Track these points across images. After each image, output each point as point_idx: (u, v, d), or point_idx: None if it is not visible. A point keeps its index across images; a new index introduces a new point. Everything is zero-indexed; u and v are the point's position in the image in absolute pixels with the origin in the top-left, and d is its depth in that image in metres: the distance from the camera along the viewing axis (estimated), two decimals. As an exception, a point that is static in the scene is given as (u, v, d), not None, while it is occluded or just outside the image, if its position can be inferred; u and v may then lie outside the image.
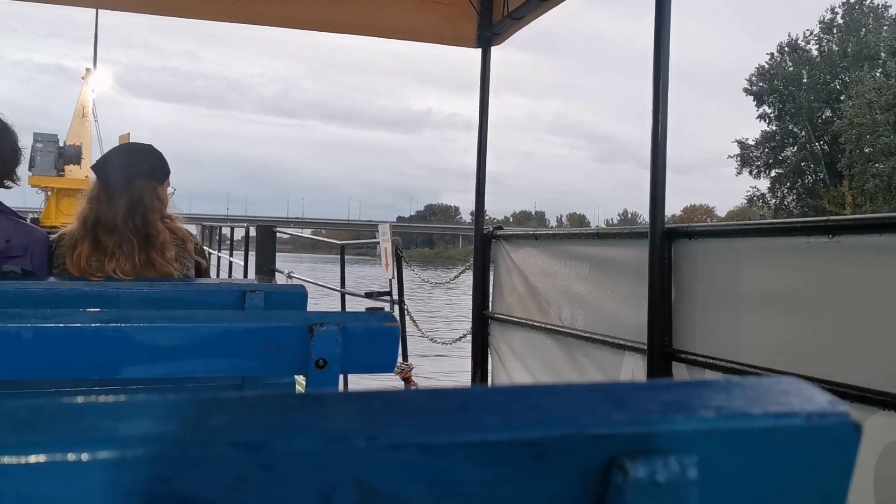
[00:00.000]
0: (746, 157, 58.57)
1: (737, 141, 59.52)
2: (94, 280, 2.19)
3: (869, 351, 1.98)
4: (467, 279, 4.73)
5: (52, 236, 2.37)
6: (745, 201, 61.21)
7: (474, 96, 4.24)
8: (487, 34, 4.10)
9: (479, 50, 4.18)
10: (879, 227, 2.04)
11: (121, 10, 4.14)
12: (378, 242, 5.50)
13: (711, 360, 2.51)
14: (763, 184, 59.17)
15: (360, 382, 5.64)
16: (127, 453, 0.39)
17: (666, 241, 2.69)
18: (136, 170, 2.37)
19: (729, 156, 59.76)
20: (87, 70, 19.40)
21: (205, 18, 4.08)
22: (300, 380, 1.73)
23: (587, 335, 3.30)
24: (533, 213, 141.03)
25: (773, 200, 57.62)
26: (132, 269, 2.24)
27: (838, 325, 2.08)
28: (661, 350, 2.68)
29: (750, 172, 58.41)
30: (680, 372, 2.67)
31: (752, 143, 58.53)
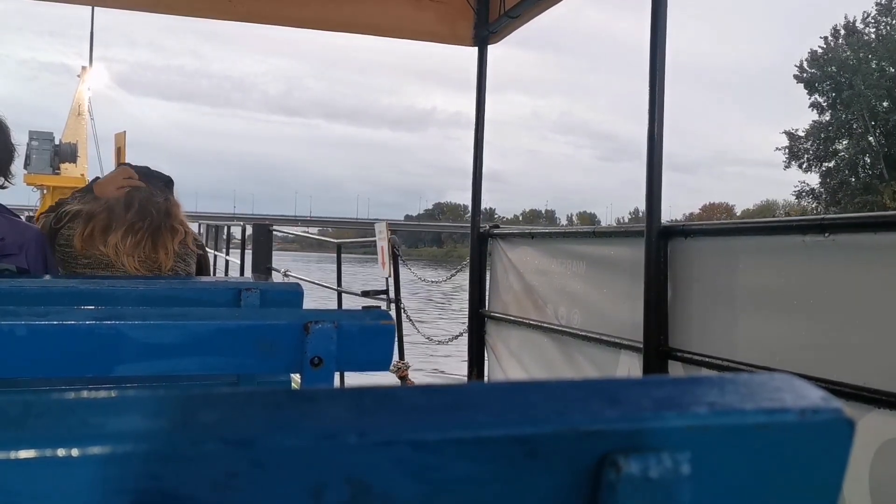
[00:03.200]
0: (795, 150, 54.77)
1: (785, 132, 56.12)
2: (96, 252, 2.24)
3: (864, 349, 1.98)
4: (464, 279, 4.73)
5: (51, 214, 2.39)
6: (794, 196, 57.76)
7: (477, 94, 4.24)
8: (484, 33, 4.10)
9: (476, 49, 4.18)
10: (874, 225, 2.04)
11: (117, 8, 4.13)
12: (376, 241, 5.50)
13: (707, 359, 2.51)
14: (812, 178, 55.39)
15: (356, 380, 5.64)
16: (116, 450, 0.38)
17: (662, 240, 2.69)
18: (165, 181, 2.54)
19: (776, 148, 56.28)
20: (83, 68, 19.30)
21: (200, 16, 4.07)
22: (296, 378, 1.73)
23: (583, 334, 3.30)
24: (543, 212, 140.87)
25: (825, 195, 53.45)
26: (135, 245, 2.28)
27: (834, 323, 2.09)
28: (657, 348, 2.69)
29: (800, 166, 54.83)
30: (676, 370, 2.68)
31: (803, 134, 54.63)
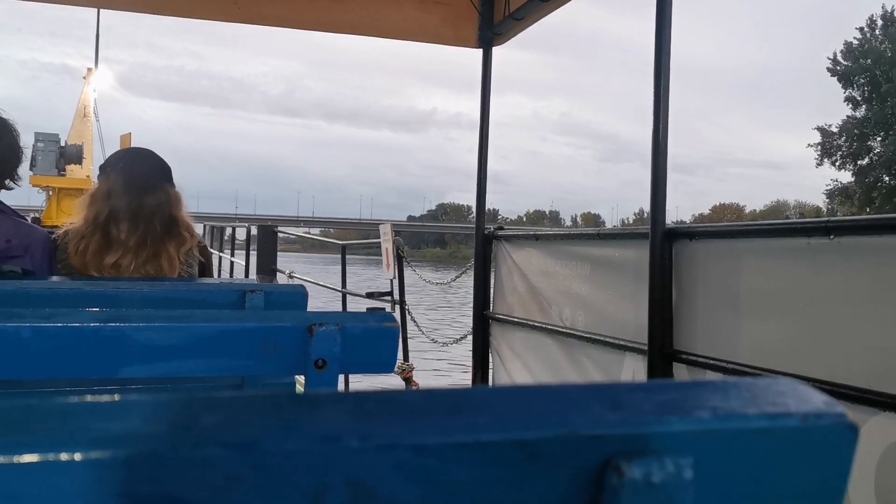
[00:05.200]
0: (828, 147, 51.79)
1: (818, 128, 53.23)
2: (95, 273, 2.22)
3: (869, 352, 1.97)
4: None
5: (55, 234, 2.38)
6: (825, 196, 54.76)
7: (478, 96, 4.23)
8: (488, 35, 4.10)
9: (481, 50, 4.18)
10: (879, 227, 2.03)
11: (121, 10, 4.15)
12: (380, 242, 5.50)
13: (712, 361, 2.51)
14: (844, 176, 52.24)
15: (361, 383, 5.65)
16: (118, 453, 0.38)
17: (667, 242, 2.69)
18: (165, 174, 2.47)
19: (808, 144, 53.22)
20: (89, 70, 19.34)
21: (204, 18, 4.08)
22: (300, 380, 1.73)
23: (588, 336, 3.29)
24: (547, 213, 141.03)
25: (860, 195, 50.29)
26: (132, 261, 2.27)
27: (839, 325, 2.08)
28: (662, 351, 2.68)
29: (833, 163, 51.84)
30: (680, 373, 2.67)
31: (836, 129, 51.57)
